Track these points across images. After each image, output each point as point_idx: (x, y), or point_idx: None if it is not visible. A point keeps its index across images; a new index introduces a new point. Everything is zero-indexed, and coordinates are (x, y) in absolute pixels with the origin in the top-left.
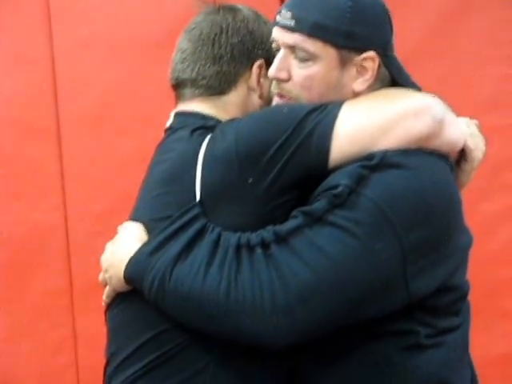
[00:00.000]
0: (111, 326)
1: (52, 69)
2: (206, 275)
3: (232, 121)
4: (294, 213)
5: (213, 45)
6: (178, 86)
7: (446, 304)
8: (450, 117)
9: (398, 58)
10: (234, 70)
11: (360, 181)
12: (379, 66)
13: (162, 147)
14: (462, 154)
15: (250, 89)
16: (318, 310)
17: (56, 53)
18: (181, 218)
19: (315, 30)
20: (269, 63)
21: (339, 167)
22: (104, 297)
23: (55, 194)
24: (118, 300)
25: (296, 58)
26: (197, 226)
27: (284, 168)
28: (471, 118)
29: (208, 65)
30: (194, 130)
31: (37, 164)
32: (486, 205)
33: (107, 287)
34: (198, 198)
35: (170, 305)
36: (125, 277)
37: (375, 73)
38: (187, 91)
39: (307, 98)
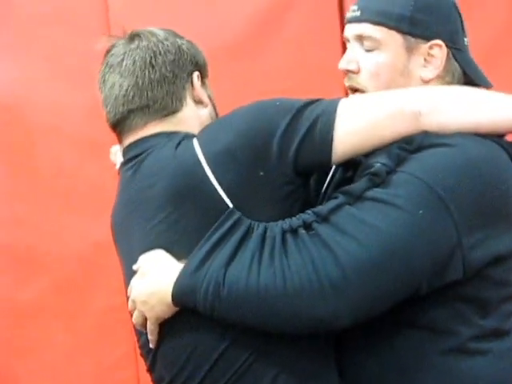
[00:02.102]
0: (164, 363)
1: None
2: (259, 269)
3: (215, 123)
4: (333, 194)
5: (153, 68)
6: (124, 119)
7: (495, 299)
8: (453, 100)
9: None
10: (180, 86)
11: (399, 161)
12: (448, 57)
13: (136, 176)
14: None
15: (195, 101)
16: (375, 282)
17: None
18: (222, 226)
19: (380, 17)
20: (202, 74)
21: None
22: (149, 336)
23: None
24: (165, 338)
25: (363, 47)
26: (243, 228)
27: (293, 158)
28: None
29: (156, 88)
30: (177, 145)
31: (96, 179)
32: None
33: (149, 324)
34: (229, 203)
35: (229, 311)
36: (173, 298)
37: (443, 62)
38: (138, 120)
39: (376, 86)
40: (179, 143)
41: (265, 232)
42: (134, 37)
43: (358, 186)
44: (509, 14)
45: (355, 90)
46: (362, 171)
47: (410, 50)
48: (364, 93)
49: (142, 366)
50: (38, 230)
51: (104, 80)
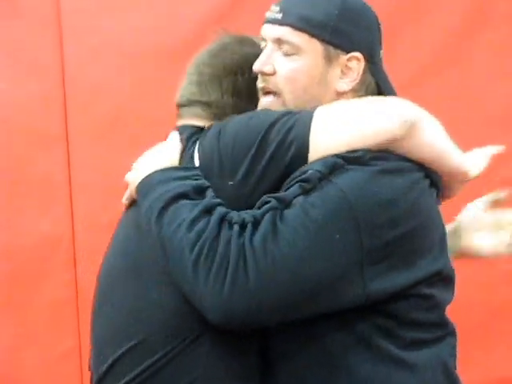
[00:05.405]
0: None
1: (62, 77)
2: (188, 230)
3: (217, 124)
4: (268, 198)
5: (235, 77)
6: (188, 104)
7: (418, 313)
8: (428, 126)
9: (386, 69)
10: (250, 106)
11: (334, 169)
12: (365, 71)
13: None
14: None
15: None
16: (272, 293)
17: (66, 61)
18: (198, 179)
19: (302, 23)
20: None
21: None
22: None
23: (62, 203)
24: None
25: (282, 51)
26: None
27: (261, 174)
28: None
29: (226, 96)
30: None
31: (45, 173)
32: None
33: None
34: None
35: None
36: (137, 186)
37: (360, 76)
38: (198, 110)
39: (291, 91)
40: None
41: (217, 205)
42: (237, 40)
43: (289, 192)
44: (463, 18)
45: (268, 93)
46: (297, 176)
47: (328, 60)
48: (278, 96)
49: (86, 361)
50: None
51: (197, 62)
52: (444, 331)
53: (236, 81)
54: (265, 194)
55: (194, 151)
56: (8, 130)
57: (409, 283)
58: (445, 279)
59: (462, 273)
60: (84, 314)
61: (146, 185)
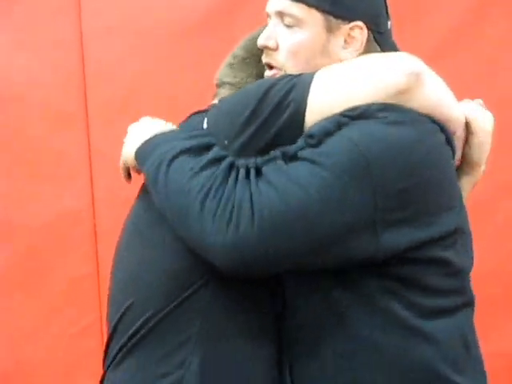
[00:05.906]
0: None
1: (81, 53)
2: (196, 175)
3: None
4: (273, 152)
5: (260, 62)
6: (221, 85)
7: (434, 279)
8: (430, 77)
9: (393, 39)
10: None
11: (339, 125)
12: (369, 39)
13: None
14: (467, 129)
15: None
16: (280, 236)
17: (85, 37)
18: (204, 137)
19: None
20: None
21: None
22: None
23: (82, 179)
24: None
25: (284, 25)
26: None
27: (256, 132)
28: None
29: (250, 79)
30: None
31: (64, 149)
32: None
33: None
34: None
35: (156, 192)
36: (135, 153)
37: (364, 44)
38: (226, 91)
39: (294, 64)
40: None
41: (221, 158)
42: None
43: (294, 146)
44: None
45: (272, 68)
46: (302, 136)
47: (330, 30)
48: (281, 71)
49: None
50: (4, 199)
51: (239, 46)
52: (463, 300)
53: (261, 65)
54: (255, 154)
55: (203, 120)
56: (28, 106)
57: (424, 239)
58: (462, 238)
59: (477, 245)
60: (105, 288)
61: (145, 149)
